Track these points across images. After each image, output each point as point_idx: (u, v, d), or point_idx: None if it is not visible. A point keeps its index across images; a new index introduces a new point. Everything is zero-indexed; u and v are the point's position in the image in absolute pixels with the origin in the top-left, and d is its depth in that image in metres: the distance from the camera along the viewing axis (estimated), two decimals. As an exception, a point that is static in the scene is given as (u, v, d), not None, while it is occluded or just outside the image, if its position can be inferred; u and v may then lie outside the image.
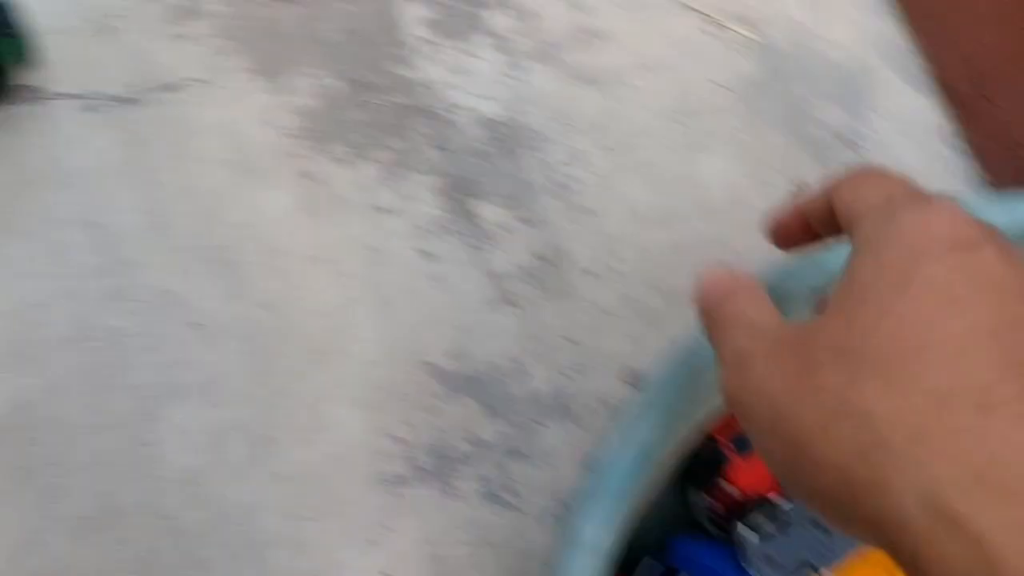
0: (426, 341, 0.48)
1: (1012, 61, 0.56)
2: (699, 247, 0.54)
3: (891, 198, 0.23)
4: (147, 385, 0.43)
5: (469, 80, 0.56)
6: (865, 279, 0.21)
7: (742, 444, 0.39)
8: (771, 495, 0.37)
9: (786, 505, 0.36)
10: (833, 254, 0.28)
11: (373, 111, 0.53)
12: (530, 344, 0.49)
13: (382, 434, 0.45)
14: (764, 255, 0.31)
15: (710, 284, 0.26)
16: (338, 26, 0.55)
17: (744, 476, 0.39)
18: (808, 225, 0.26)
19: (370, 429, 0.45)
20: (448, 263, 0.50)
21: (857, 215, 0.23)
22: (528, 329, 0.49)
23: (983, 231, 0.21)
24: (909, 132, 0.62)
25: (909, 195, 0.23)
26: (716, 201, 0.56)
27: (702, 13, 0.63)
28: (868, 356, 0.20)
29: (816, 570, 0.35)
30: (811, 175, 0.59)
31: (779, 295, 0.27)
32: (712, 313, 0.25)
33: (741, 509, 0.38)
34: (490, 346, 0.48)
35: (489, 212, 0.52)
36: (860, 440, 0.19)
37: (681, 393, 0.30)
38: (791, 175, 0.58)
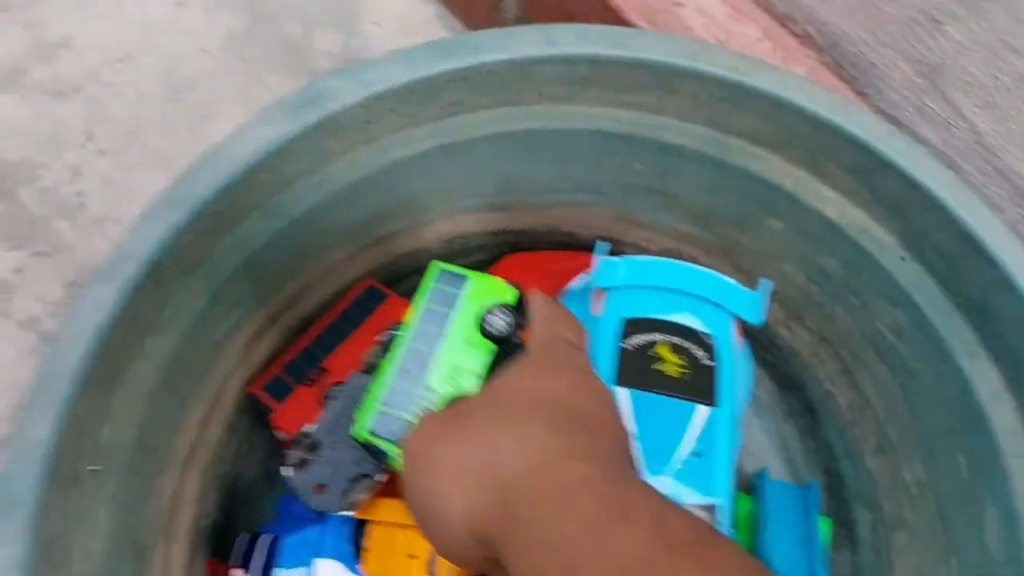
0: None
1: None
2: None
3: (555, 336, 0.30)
4: None
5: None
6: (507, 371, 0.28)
7: (277, 390, 0.39)
8: (306, 426, 0.37)
9: (313, 429, 0.36)
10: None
11: None
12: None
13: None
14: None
15: None
16: None
17: (286, 419, 0.38)
18: None
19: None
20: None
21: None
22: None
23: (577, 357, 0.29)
24: (409, 29, 0.65)
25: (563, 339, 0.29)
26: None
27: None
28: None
29: (370, 477, 0.36)
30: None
31: None
32: None
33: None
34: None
35: (-2, 263, 0.50)
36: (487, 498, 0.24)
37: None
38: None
